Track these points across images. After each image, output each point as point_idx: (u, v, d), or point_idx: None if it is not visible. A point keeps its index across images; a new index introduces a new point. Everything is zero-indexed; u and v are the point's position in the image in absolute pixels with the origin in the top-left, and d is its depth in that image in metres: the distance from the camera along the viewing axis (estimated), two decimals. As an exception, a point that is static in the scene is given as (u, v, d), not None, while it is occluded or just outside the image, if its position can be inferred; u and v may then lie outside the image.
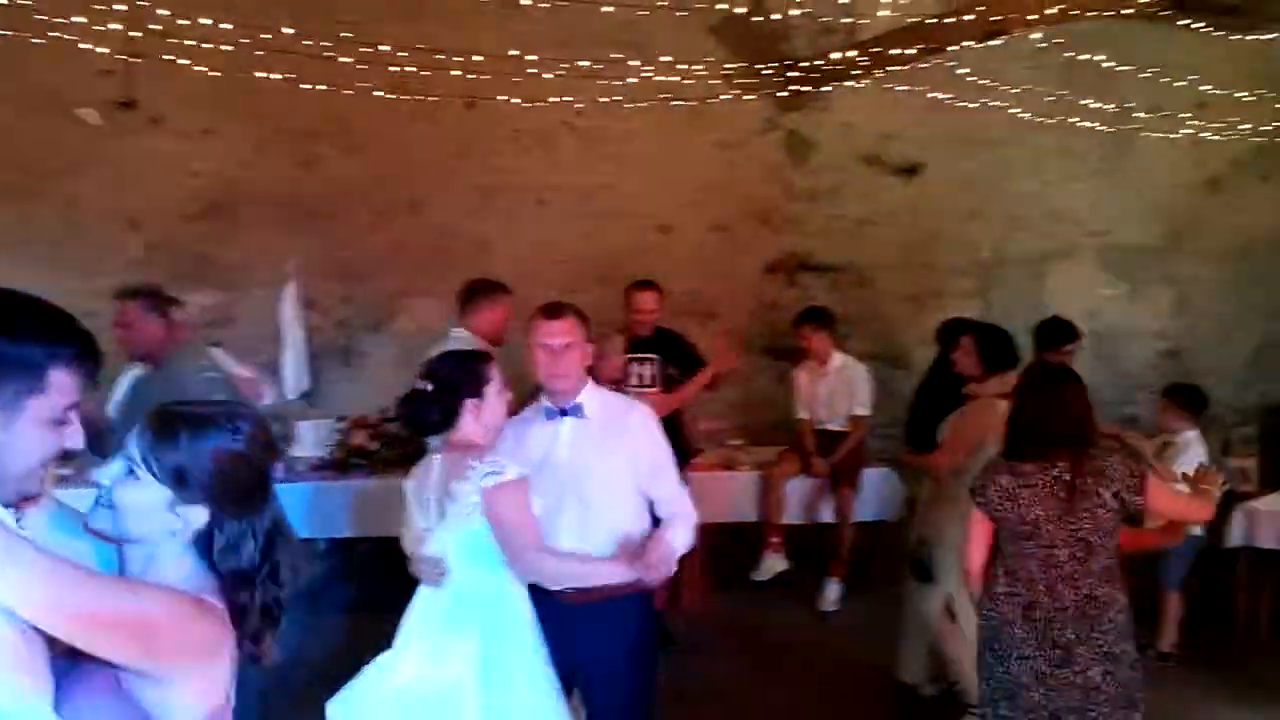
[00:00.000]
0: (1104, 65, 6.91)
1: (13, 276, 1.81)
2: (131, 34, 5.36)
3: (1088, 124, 7.70)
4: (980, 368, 4.27)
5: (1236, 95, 7.70)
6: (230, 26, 5.45)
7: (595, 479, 2.95)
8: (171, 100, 6.08)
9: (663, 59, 6.55)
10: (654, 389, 5.10)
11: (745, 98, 7.08)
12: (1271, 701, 4.71)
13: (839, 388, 6.04)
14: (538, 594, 2.76)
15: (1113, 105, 7.63)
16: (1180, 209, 8.41)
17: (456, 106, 6.44)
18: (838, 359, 6.08)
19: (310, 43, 5.62)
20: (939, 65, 6.91)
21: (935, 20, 5.90)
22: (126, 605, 1.35)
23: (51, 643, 1.32)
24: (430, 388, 2.76)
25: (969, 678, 3.94)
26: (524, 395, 3.30)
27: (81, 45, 5.25)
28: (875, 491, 6.12)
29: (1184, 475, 3.52)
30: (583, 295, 6.29)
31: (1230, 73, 7.73)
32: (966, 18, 5.66)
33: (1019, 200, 7.95)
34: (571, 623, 2.81)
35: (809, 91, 7.15)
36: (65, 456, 1.49)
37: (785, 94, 7.13)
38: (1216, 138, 8.08)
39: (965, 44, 5.94)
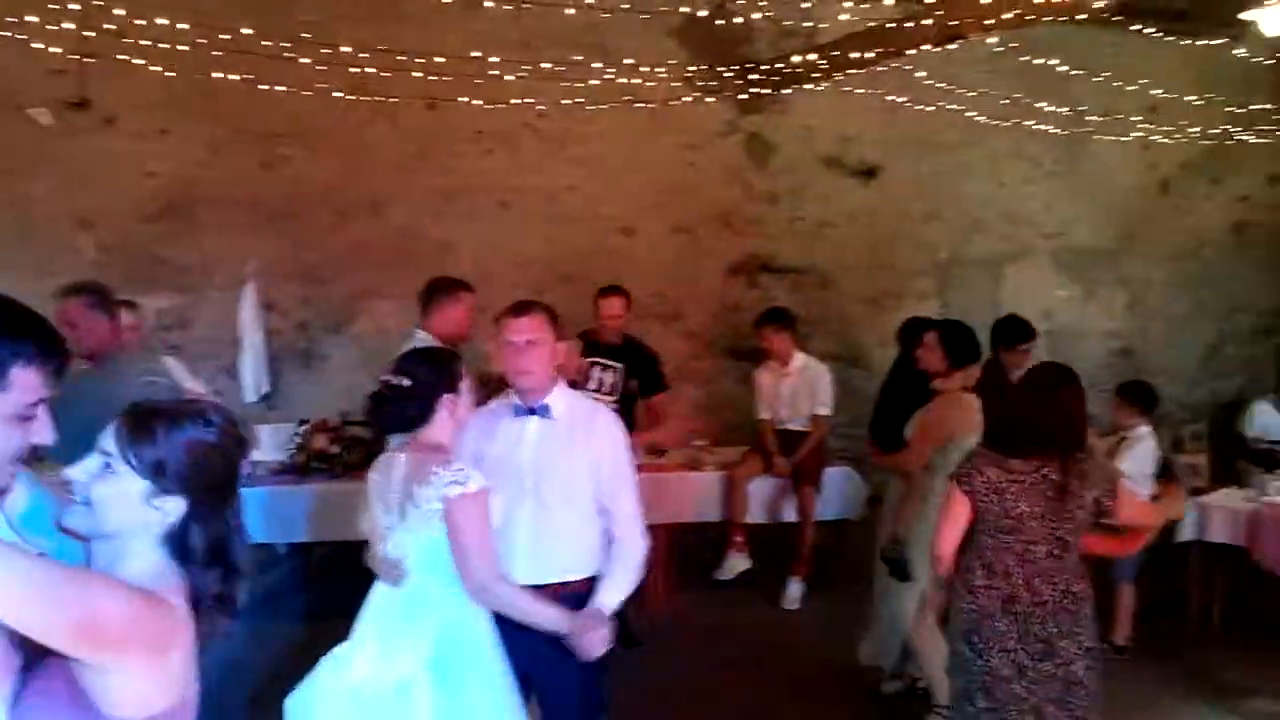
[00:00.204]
0: (1058, 70, 7.03)
1: (-32, 278, 1.79)
2: (85, 33, 5.28)
3: (1042, 127, 7.83)
4: (945, 363, 4.32)
5: (1186, 99, 7.86)
6: (186, 26, 5.39)
7: (555, 481, 2.95)
8: (126, 100, 5.99)
9: (624, 61, 6.57)
10: (612, 397, 5.09)
11: (707, 100, 7.12)
12: (1224, 694, 4.81)
13: (800, 388, 6.08)
14: None
15: (1066, 109, 7.76)
16: (1132, 211, 8.58)
17: (418, 108, 6.42)
18: (799, 359, 6.13)
19: (269, 43, 5.57)
20: (897, 69, 6.99)
21: (893, 25, 5.97)
22: (72, 593, 1.34)
23: (23, 640, 1.32)
24: (408, 384, 2.72)
25: (937, 678, 3.99)
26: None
27: (34, 44, 5.17)
28: (837, 491, 6.18)
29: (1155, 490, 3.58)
30: (545, 297, 6.26)
31: (1180, 77, 7.89)
32: (924, 22, 5.72)
33: (976, 202, 8.07)
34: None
35: (769, 94, 7.20)
36: (35, 454, 1.52)
37: (746, 97, 7.18)
38: (1167, 141, 8.25)
39: (922, 48, 6.01)
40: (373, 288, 6.49)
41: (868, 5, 6.13)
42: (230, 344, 6.21)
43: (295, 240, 6.41)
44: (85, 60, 5.64)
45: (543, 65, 6.34)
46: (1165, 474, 5.88)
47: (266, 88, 5.82)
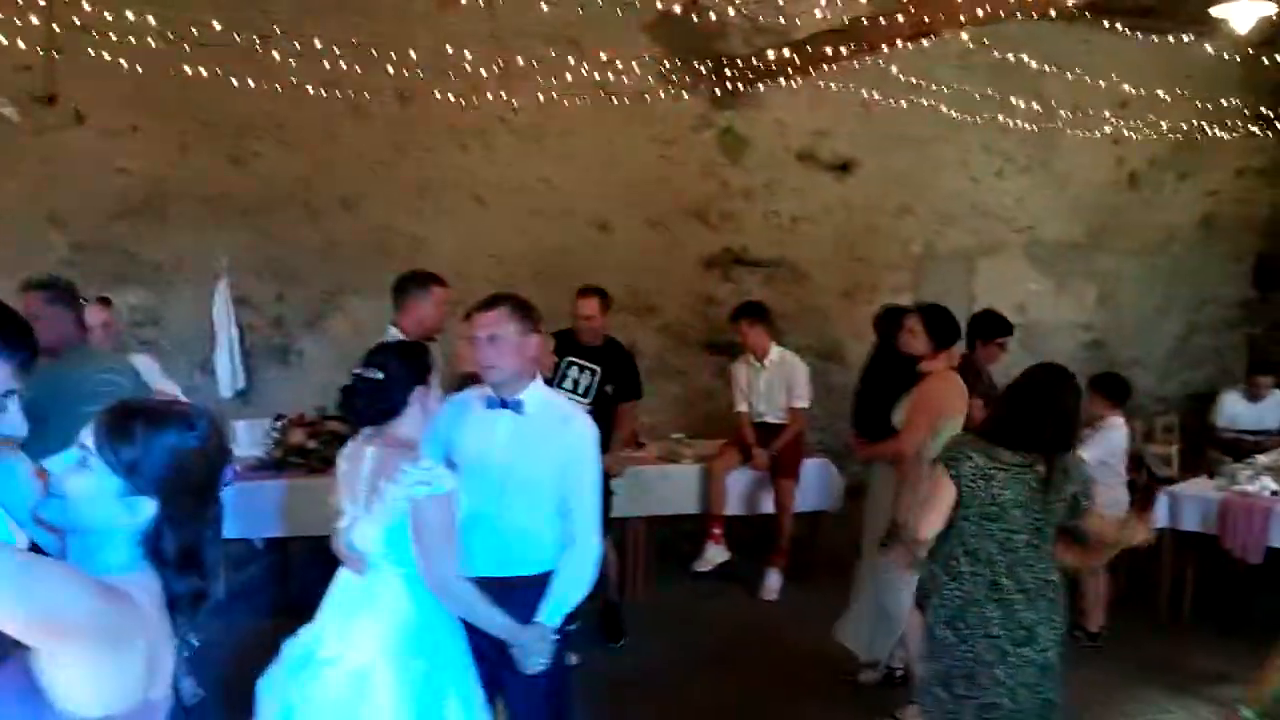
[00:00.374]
0: (1029, 66, 7.09)
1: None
2: (53, 28, 5.23)
3: (1014, 123, 7.90)
4: (930, 345, 4.37)
5: (1156, 95, 7.95)
6: (155, 21, 5.34)
7: (520, 477, 2.94)
8: (95, 96, 5.93)
9: (599, 56, 6.57)
10: (587, 399, 5.09)
11: (682, 95, 7.13)
12: (1194, 682, 4.87)
13: (776, 382, 6.11)
14: None
15: (1038, 105, 7.83)
16: (1103, 205, 8.68)
17: (391, 103, 6.39)
18: (775, 353, 6.15)
19: (239, 38, 5.53)
20: (870, 65, 7.03)
21: (866, 21, 6.00)
22: (29, 580, 1.33)
23: None
24: (380, 376, 2.73)
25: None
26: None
27: (0, 39, 5.11)
28: (814, 483, 6.21)
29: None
30: (521, 293, 6.32)
31: (1150, 73, 7.98)
32: (897, 18, 5.76)
33: (949, 197, 8.13)
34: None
35: (743, 90, 7.23)
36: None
37: (720, 92, 7.20)
38: (1137, 136, 8.35)
39: (896, 44, 6.05)
40: (347, 284, 6.46)
41: (841, 2, 6.16)
42: (204, 340, 6.16)
43: (268, 236, 6.37)
44: (53, 55, 5.58)
45: (516, 60, 6.33)
46: (1140, 476, 5.97)
47: (237, 83, 5.78)
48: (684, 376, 7.46)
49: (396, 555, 2.66)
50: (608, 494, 5.08)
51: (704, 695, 4.68)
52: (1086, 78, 7.83)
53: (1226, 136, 8.47)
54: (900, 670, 4.57)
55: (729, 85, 7.10)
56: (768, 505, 6.17)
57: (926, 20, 5.76)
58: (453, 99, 6.31)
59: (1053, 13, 6.07)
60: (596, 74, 6.56)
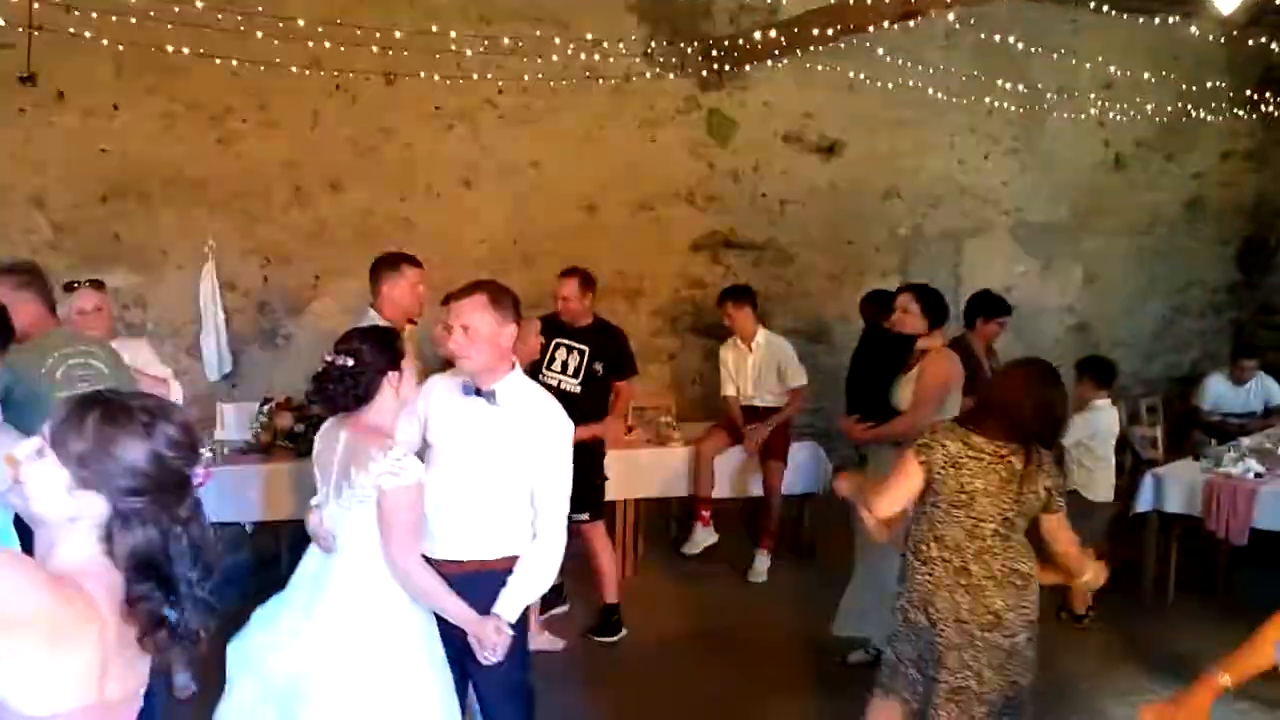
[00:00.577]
0: (1015, 47, 7.09)
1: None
2: (32, 5, 5.15)
3: (1001, 104, 7.90)
4: (925, 323, 4.40)
5: (1142, 77, 7.97)
6: (135, -1, 5.27)
7: (489, 466, 2.93)
8: (75, 75, 5.85)
9: (584, 37, 6.52)
10: (576, 380, 5.07)
11: (668, 76, 7.10)
12: (1178, 663, 4.90)
13: (763, 364, 6.11)
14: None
15: (1024, 86, 7.84)
16: (1088, 187, 8.69)
17: (376, 83, 6.33)
18: (761, 335, 6.15)
19: (221, 16, 5.46)
20: (857, 45, 7.01)
21: (853, 1, 5.97)
22: None
23: None
24: (351, 363, 2.73)
25: None
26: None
27: (-22, 17, 5.04)
28: (802, 466, 6.23)
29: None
30: (508, 275, 6.23)
31: (1136, 55, 8.00)
32: (883, -1, 5.75)
33: (935, 179, 8.13)
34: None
35: (730, 71, 7.19)
36: None
37: (706, 73, 7.17)
38: (1123, 118, 8.36)
39: (882, 25, 6.03)
40: (334, 267, 6.41)
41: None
42: (190, 323, 6.11)
43: (253, 218, 6.31)
44: (33, 33, 5.49)
45: (502, 41, 6.28)
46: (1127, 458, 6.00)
47: (220, 62, 5.71)
48: (672, 360, 7.46)
49: (362, 540, 2.69)
50: (600, 480, 5.10)
51: (692, 677, 4.70)
52: (1072, 59, 7.83)
53: (1212, 119, 8.50)
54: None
55: (715, 66, 7.07)
56: (756, 488, 6.18)
57: (912, 0, 5.74)
58: (438, 79, 6.26)
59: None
60: (583, 55, 6.52)
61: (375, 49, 6.05)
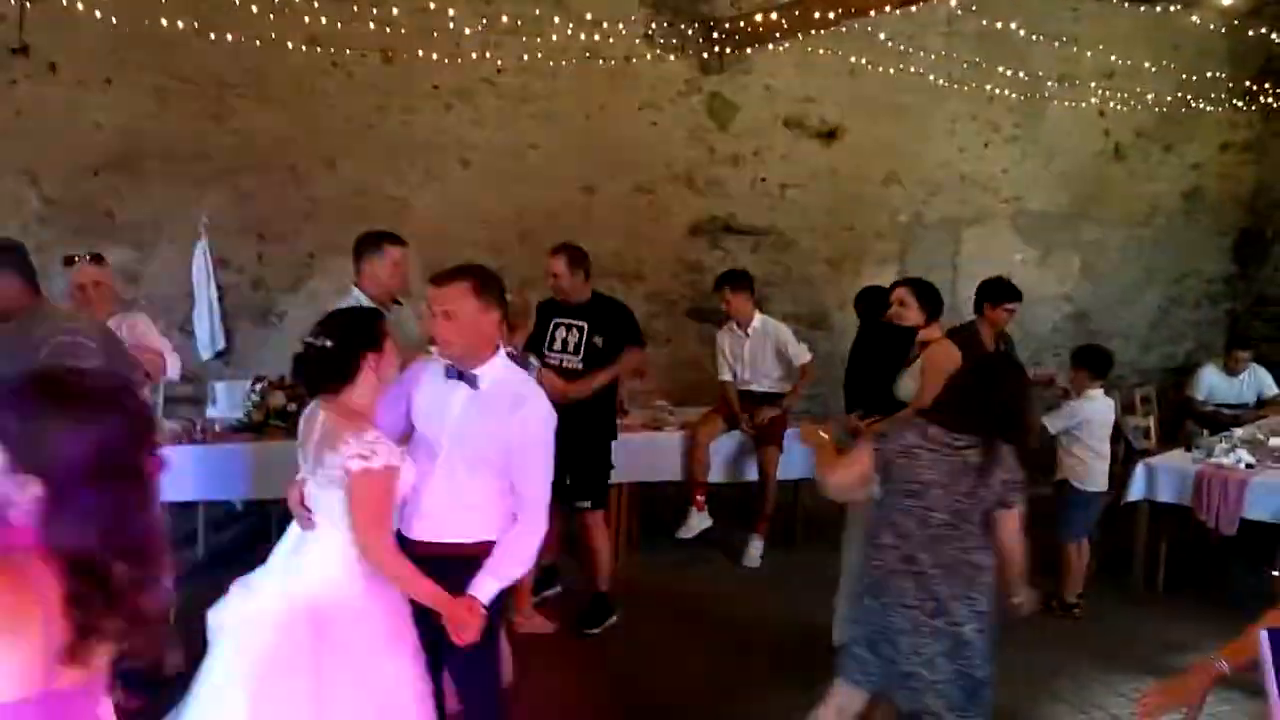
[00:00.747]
0: (1017, 34, 7.05)
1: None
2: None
3: (1001, 91, 7.87)
4: (924, 315, 4.40)
5: (1142, 66, 7.94)
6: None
7: (468, 450, 2.91)
8: (68, 47, 5.79)
9: (584, 17, 6.48)
10: (577, 356, 5.02)
11: (668, 58, 7.05)
12: (1168, 653, 4.91)
13: (760, 349, 6.10)
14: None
15: (1024, 74, 7.80)
16: (1088, 176, 8.67)
17: (373, 61, 6.28)
18: (758, 320, 6.13)
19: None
20: (858, 30, 6.97)
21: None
22: None
23: None
24: (330, 344, 2.71)
25: None
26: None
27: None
28: (797, 451, 6.21)
29: None
30: (505, 256, 6.27)
31: (1136, 44, 7.97)
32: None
33: (935, 165, 8.10)
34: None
35: (730, 54, 7.15)
36: None
37: (707, 55, 7.12)
38: (1123, 107, 8.34)
39: (884, 9, 5.99)
40: (329, 245, 6.36)
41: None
42: (183, 299, 6.07)
43: (248, 195, 6.27)
44: (25, 5, 5.44)
45: (501, 19, 6.23)
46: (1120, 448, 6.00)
47: (215, 36, 5.66)
48: (670, 344, 7.44)
49: (335, 519, 2.70)
50: (607, 465, 5.09)
51: (685, 662, 4.70)
52: (1073, 47, 7.80)
53: (1211, 110, 8.48)
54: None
55: (716, 49, 7.03)
56: (751, 473, 6.18)
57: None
58: (436, 58, 6.21)
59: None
60: (583, 35, 6.47)
61: (373, 25, 6.00)
